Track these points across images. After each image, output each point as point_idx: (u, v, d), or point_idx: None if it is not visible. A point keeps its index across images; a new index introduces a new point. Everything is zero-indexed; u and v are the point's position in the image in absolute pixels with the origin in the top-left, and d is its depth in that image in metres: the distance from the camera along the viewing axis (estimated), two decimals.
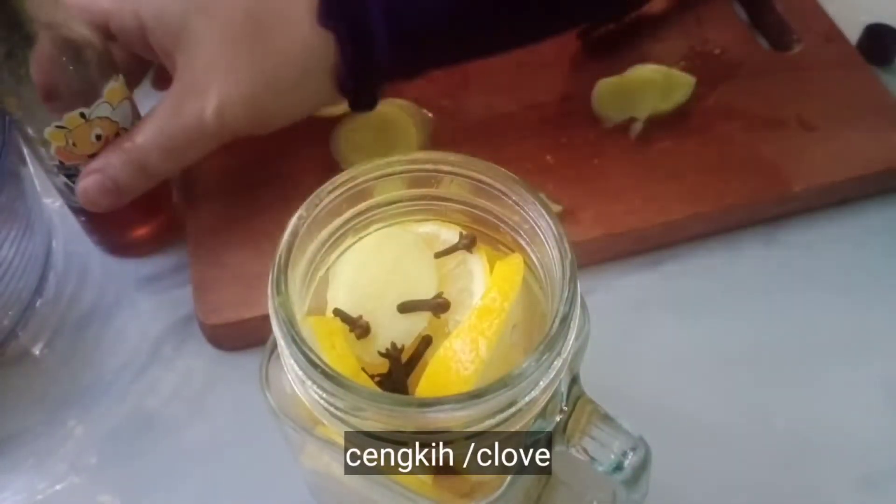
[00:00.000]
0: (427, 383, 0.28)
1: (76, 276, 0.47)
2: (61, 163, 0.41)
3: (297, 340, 0.26)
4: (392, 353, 0.29)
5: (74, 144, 0.40)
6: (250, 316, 0.43)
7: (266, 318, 0.27)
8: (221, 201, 0.47)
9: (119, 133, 0.42)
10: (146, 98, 0.45)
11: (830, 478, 0.40)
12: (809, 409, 0.42)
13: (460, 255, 0.31)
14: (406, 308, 0.30)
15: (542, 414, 0.28)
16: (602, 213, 0.46)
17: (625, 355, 0.44)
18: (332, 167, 0.49)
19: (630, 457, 0.30)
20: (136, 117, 0.43)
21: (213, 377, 0.44)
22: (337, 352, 0.28)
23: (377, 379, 0.29)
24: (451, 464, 0.28)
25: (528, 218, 0.29)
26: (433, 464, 0.28)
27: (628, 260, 0.48)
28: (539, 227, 0.29)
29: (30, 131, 0.40)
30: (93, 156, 0.41)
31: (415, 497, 0.28)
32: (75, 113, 0.39)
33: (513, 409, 0.26)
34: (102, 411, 0.42)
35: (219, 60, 0.40)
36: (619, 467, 0.30)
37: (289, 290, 0.27)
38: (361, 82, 0.43)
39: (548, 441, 0.30)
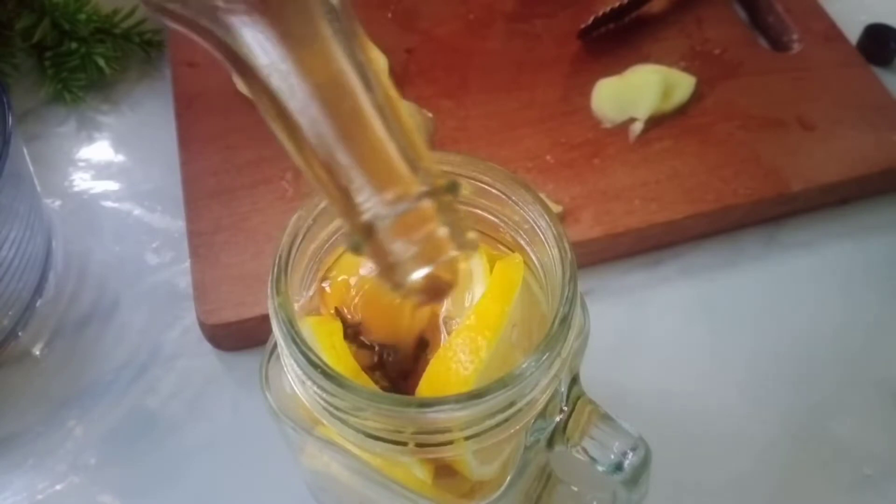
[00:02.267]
0: (427, 383, 0.28)
1: (76, 276, 0.47)
2: None
3: (297, 340, 0.26)
4: (391, 354, 0.29)
5: None
6: (250, 316, 0.43)
7: (266, 318, 0.27)
8: (221, 201, 0.47)
9: None
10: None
11: (830, 478, 0.40)
12: (809, 409, 0.42)
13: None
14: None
15: (542, 414, 0.28)
16: (602, 213, 0.46)
17: (625, 355, 0.44)
18: None
19: (630, 457, 0.30)
20: None
21: (213, 377, 0.44)
22: (337, 352, 0.28)
23: (376, 374, 0.29)
24: (451, 464, 0.28)
25: (528, 218, 0.29)
26: (433, 464, 0.28)
27: (628, 260, 0.48)
28: (539, 227, 0.29)
29: None
30: None
31: (415, 497, 0.28)
32: None
33: (513, 409, 0.26)
34: (102, 411, 0.42)
35: None
36: (619, 467, 0.30)
37: (289, 290, 0.27)
38: None
39: (548, 441, 0.30)
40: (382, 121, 0.22)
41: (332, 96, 0.22)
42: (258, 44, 0.22)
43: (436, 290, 0.24)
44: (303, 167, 0.23)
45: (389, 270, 0.23)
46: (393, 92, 0.23)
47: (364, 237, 0.22)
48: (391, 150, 0.22)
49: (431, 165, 0.23)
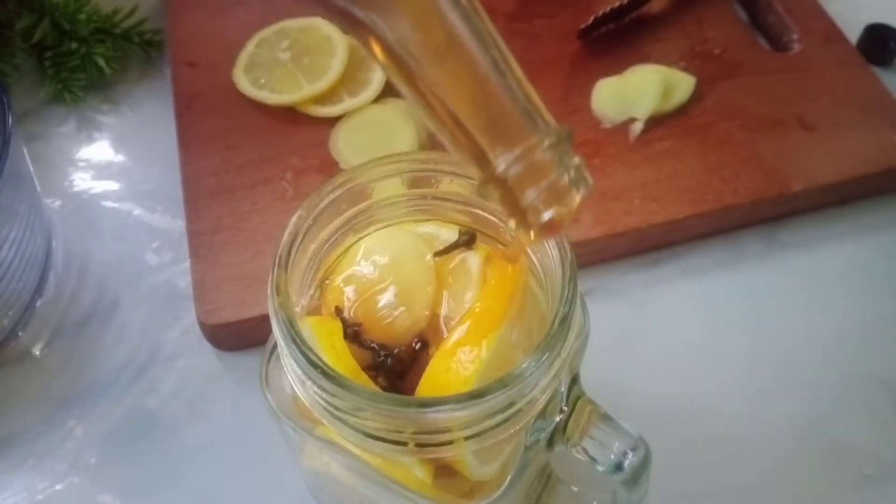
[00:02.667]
0: (427, 383, 0.28)
1: (76, 276, 0.47)
2: None
3: (297, 340, 0.26)
4: (391, 354, 0.29)
5: None
6: (250, 316, 0.43)
7: (266, 318, 0.27)
8: (221, 201, 0.47)
9: None
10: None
11: (830, 478, 0.40)
12: (809, 409, 0.42)
13: (460, 254, 0.31)
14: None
15: (542, 414, 0.28)
16: (602, 213, 0.46)
17: (625, 355, 0.44)
18: (332, 167, 0.49)
19: (630, 457, 0.30)
20: None
21: (213, 377, 0.44)
22: (337, 352, 0.28)
23: (376, 374, 0.29)
24: (451, 464, 0.28)
25: None
26: (433, 464, 0.28)
27: (628, 260, 0.48)
28: None
29: None
30: None
31: (415, 497, 0.28)
32: None
33: (513, 409, 0.26)
34: (102, 411, 0.42)
35: None
36: (619, 467, 0.30)
37: (289, 290, 0.27)
38: None
39: (548, 441, 0.30)
40: (504, 79, 0.25)
41: (460, 64, 0.25)
42: (386, 21, 0.24)
43: (555, 225, 0.26)
44: (438, 130, 0.26)
45: (519, 214, 0.26)
46: (507, 50, 0.25)
47: (497, 188, 0.25)
48: (515, 106, 0.25)
49: (548, 116, 0.26)
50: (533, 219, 0.26)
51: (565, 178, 0.25)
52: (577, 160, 0.26)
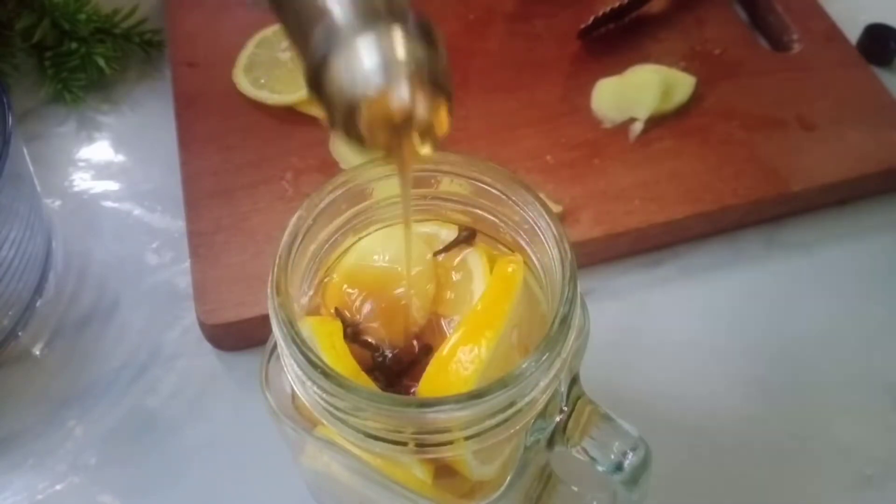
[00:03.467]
0: (427, 383, 0.28)
1: (76, 276, 0.47)
2: None
3: (297, 340, 0.26)
4: (391, 354, 0.29)
5: None
6: (250, 316, 0.43)
7: (266, 318, 0.27)
8: (221, 201, 0.47)
9: None
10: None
11: (830, 478, 0.40)
12: (809, 409, 0.42)
13: (460, 253, 0.31)
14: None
15: (542, 414, 0.29)
16: (602, 213, 0.46)
17: (625, 355, 0.44)
18: (332, 167, 0.49)
19: (630, 457, 0.30)
20: None
21: (213, 377, 0.44)
22: (337, 352, 0.28)
23: (376, 374, 0.29)
24: (452, 464, 0.28)
25: (528, 218, 0.29)
26: (433, 464, 0.28)
27: (628, 260, 0.48)
28: (539, 227, 0.29)
29: None
30: None
31: (415, 497, 0.28)
32: None
33: (513, 410, 0.26)
34: (102, 411, 0.42)
35: None
36: (619, 467, 0.30)
37: (289, 290, 0.27)
38: None
39: (548, 441, 0.30)
40: None
41: None
42: None
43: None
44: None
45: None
46: None
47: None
48: None
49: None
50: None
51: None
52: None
